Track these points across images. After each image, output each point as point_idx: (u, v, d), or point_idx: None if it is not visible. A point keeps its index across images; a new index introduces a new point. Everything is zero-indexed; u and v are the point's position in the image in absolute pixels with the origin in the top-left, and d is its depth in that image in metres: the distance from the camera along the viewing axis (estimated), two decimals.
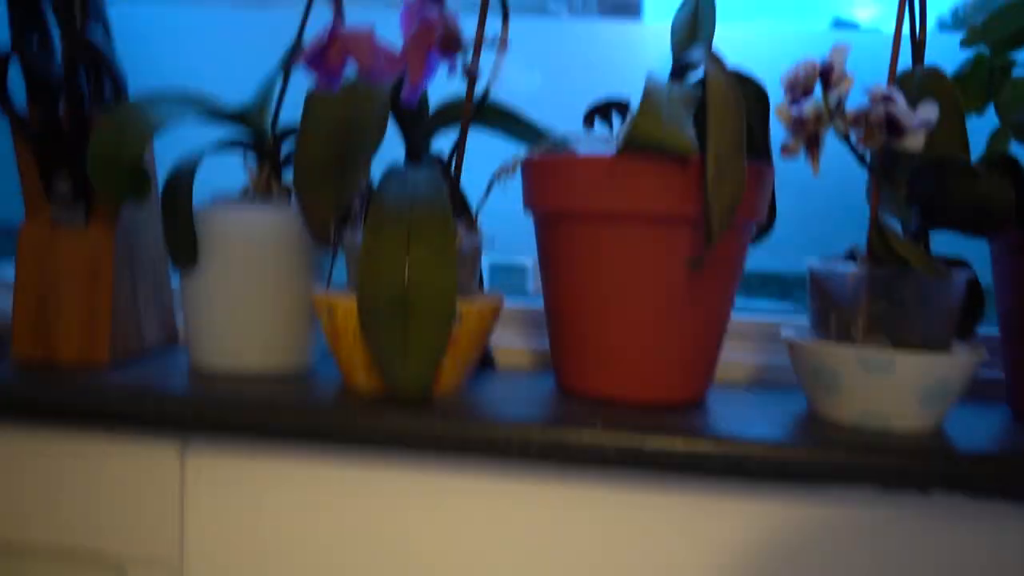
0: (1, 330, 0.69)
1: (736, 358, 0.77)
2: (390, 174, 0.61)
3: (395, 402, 0.59)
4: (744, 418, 0.61)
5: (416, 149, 0.66)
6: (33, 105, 0.63)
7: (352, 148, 0.58)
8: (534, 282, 0.96)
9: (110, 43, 0.66)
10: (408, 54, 0.50)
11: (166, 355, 0.72)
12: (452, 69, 0.52)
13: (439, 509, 0.61)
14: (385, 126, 0.58)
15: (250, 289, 0.65)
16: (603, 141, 0.61)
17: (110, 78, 0.61)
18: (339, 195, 0.59)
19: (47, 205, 0.65)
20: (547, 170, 0.61)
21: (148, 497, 0.64)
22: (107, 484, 0.64)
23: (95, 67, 0.61)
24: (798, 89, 0.57)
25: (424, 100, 0.66)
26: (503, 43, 0.60)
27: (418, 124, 0.65)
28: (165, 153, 0.74)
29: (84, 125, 0.63)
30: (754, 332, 0.80)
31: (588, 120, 0.64)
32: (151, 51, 0.89)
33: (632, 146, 0.56)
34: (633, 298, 0.60)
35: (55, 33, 0.63)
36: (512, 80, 0.58)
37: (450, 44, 0.50)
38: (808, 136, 0.57)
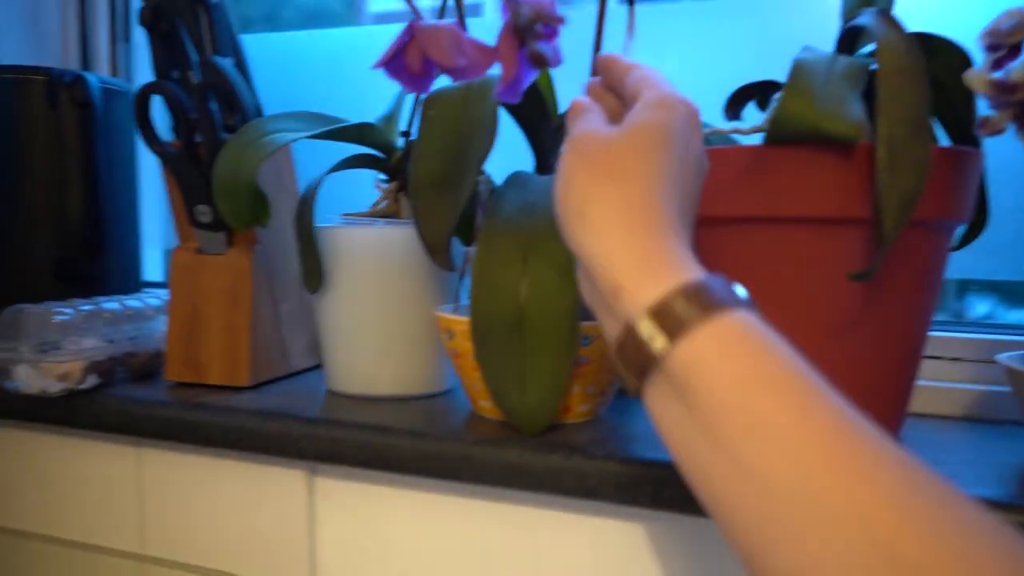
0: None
1: (945, 385, 0.63)
2: (510, 181, 0.56)
3: (517, 431, 0.53)
4: (953, 463, 0.49)
5: (544, 154, 0.60)
6: (176, 137, 0.65)
7: (464, 157, 0.54)
8: None
9: (244, 71, 0.66)
10: (500, 48, 0.45)
11: (310, 378, 0.72)
12: (551, 60, 0.46)
13: (565, 547, 0.55)
14: (495, 129, 0.53)
15: (379, 309, 0.63)
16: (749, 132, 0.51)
17: (240, 105, 0.62)
18: (452, 208, 0.54)
19: (194, 233, 0.67)
20: None
21: (277, 520, 0.63)
22: (236, 506, 0.64)
23: (225, 96, 0.62)
24: (1001, 46, 0.45)
25: (550, 99, 0.60)
26: (630, 29, 0.53)
27: (543, 127, 0.59)
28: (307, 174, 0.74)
29: (216, 154, 0.64)
30: (967, 352, 0.65)
31: (732, 106, 0.55)
32: (294, 75, 0.91)
33: (779, 133, 0.47)
34: (789, 318, 0.50)
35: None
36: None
37: (534, 33, 0.44)
38: (1017, 106, 0.44)
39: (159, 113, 0.64)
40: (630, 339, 0.32)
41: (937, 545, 0.25)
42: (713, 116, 0.52)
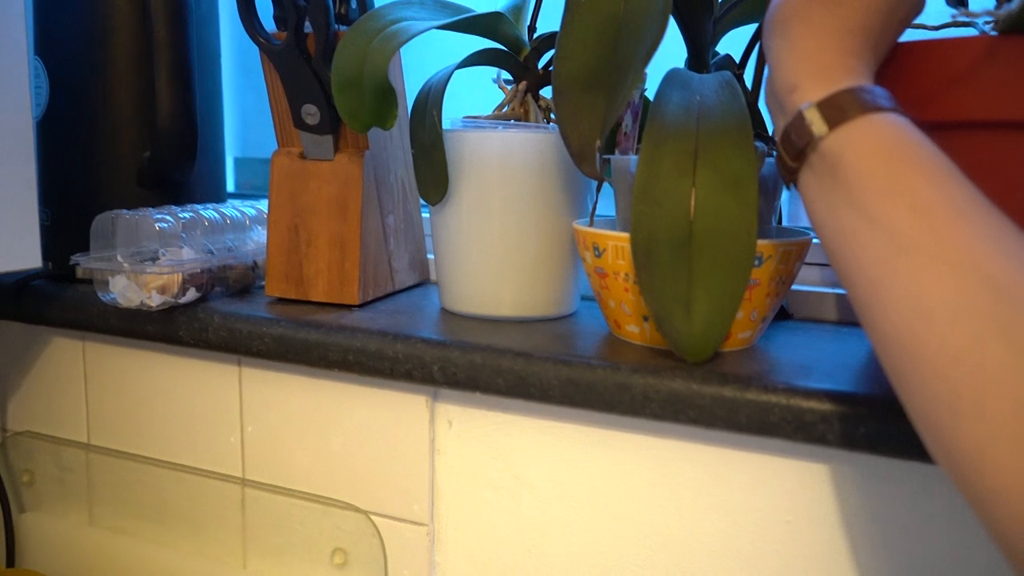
0: (262, 266, 0.67)
1: None
2: (672, 79, 0.49)
3: (673, 359, 0.48)
4: None
5: (701, 52, 0.53)
6: (281, 30, 0.58)
7: (625, 50, 0.47)
8: None
9: None
10: None
11: (415, 297, 0.67)
12: None
13: (726, 487, 0.50)
14: (667, 21, 0.46)
15: (505, 222, 0.57)
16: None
17: None
18: (608, 109, 0.48)
19: (298, 136, 0.61)
20: (893, 63, 0.46)
21: (393, 449, 0.59)
22: (344, 431, 0.61)
23: None
24: None
25: None
26: None
27: (703, 18, 0.52)
28: (412, 72, 0.67)
29: (330, 48, 0.57)
30: None
31: None
32: None
33: None
34: None
35: None
36: None
37: None
38: None
39: (261, 1, 0.58)
40: (795, 125, 0.36)
41: None
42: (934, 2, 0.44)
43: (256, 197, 0.87)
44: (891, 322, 0.32)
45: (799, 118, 0.36)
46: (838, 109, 0.35)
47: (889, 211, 0.32)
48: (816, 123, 0.36)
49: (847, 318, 0.62)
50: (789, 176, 0.39)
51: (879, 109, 0.35)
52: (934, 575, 0.46)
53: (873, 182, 0.33)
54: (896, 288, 0.32)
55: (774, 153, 0.52)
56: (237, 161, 1.00)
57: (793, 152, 0.37)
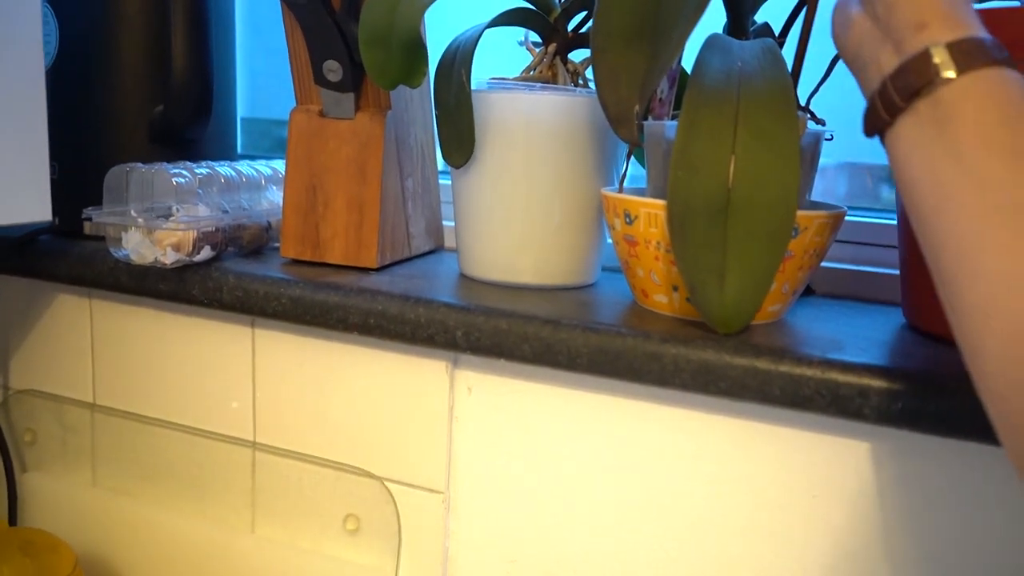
0: (276, 227, 0.66)
1: None
2: (712, 44, 0.48)
3: (702, 330, 0.48)
4: None
5: (741, 19, 0.52)
6: None
7: (669, 8, 0.46)
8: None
9: None
10: None
11: (431, 263, 0.66)
12: None
13: (748, 463, 0.50)
14: None
15: (530, 187, 0.56)
16: None
17: None
18: (649, 71, 0.47)
19: (317, 94, 0.59)
20: None
21: (409, 414, 0.58)
22: (359, 396, 0.60)
23: None
24: None
25: None
26: None
27: None
28: (433, 32, 0.66)
29: (356, 1, 0.55)
30: None
31: None
32: None
33: None
34: None
35: None
36: None
37: None
38: None
39: None
40: (918, 62, 0.34)
41: None
42: None
43: (266, 158, 0.85)
44: (979, 293, 0.31)
45: (925, 56, 0.34)
46: (968, 55, 0.33)
47: (1001, 172, 0.31)
48: (944, 64, 0.33)
49: (870, 295, 0.61)
50: (882, 123, 0.36)
51: (1002, 63, 0.33)
52: (968, 554, 0.46)
53: (990, 140, 0.31)
54: (993, 255, 0.30)
55: (811, 123, 0.52)
56: (243, 121, 0.98)
57: (905, 92, 0.34)
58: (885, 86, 0.35)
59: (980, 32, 0.34)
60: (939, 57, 0.33)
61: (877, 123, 0.36)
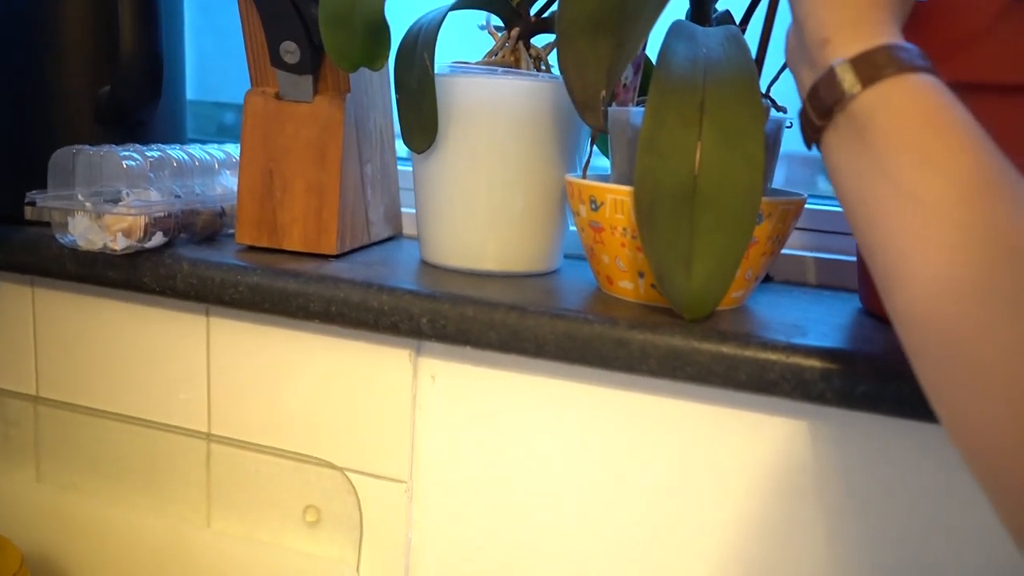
0: (230, 213, 0.64)
1: None
2: (678, 31, 0.48)
3: (668, 316, 0.48)
4: None
5: (703, 6, 0.52)
6: None
7: None
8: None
9: None
10: None
11: (390, 249, 0.65)
12: None
13: (714, 448, 0.51)
14: None
15: (493, 173, 0.55)
16: None
17: None
18: (614, 57, 0.47)
19: (273, 76, 0.58)
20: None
21: (372, 404, 0.57)
22: (320, 385, 0.59)
23: None
24: None
25: None
26: None
27: None
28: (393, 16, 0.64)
29: None
30: None
31: None
32: None
33: None
34: None
35: None
36: None
37: None
38: None
39: None
40: (826, 81, 0.35)
41: None
42: None
43: (212, 142, 0.83)
44: (913, 295, 0.31)
45: (830, 74, 0.35)
46: (873, 66, 0.33)
47: (921, 180, 0.31)
48: (848, 80, 0.34)
49: (826, 281, 0.62)
50: (812, 135, 0.37)
51: (914, 69, 0.33)
52: (931, 534, 0.47)
53: (905, 148, 0.32)
54: (922, 261, 0.31)
55: (772, 111, 0.52)
56: (190, 104, 0.95)
57: (821, 110, 0.35)
58: (805, 104, 0.37)
59: (891, 39, 0.34)
60: (843, 73, 0.34)
61: (809, 136, 0.37)
